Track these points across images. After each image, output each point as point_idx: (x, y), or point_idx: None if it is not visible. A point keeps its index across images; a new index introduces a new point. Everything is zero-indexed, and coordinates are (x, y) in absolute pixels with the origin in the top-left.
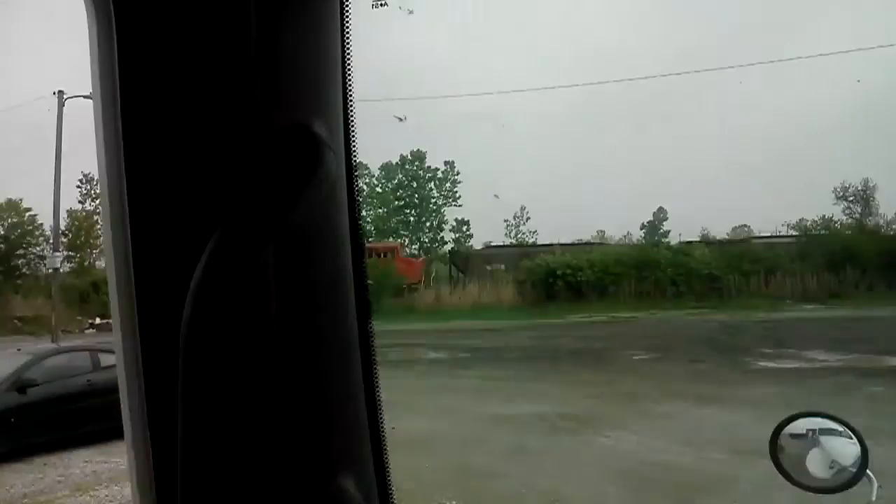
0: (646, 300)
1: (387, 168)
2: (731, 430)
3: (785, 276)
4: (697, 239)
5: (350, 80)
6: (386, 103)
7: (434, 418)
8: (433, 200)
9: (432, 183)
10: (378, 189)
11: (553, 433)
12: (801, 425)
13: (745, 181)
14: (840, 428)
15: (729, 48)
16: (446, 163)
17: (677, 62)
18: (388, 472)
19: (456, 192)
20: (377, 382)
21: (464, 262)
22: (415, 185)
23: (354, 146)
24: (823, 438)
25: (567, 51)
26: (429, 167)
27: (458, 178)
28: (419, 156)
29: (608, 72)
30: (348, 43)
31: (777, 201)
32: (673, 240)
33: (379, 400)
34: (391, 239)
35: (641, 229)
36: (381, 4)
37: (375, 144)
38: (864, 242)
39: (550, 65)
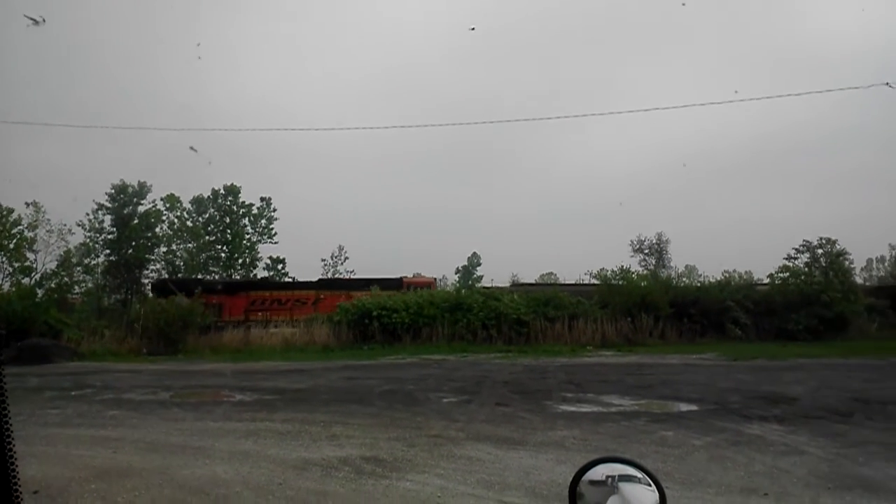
0: (457, 342)
1: (198, 202)
2: (532, 474)
3: (587, 323)
4: (508, 284)
5: None
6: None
7: (232, 464)
8: (247, 237)
9: (247, 219)
10: (189, 223)
11: (356, 478)
12: (600, 471)
13: (551, 231)
14: (639, 474)
15: (545, 102)
16: (262, 199)
17: (499, 112)
18: None
19: (272, 228)
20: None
21: None
22: (227, 220)
23: None
24: (622, 485)
25: (394, 94)
26: (243, 202)
27: (275, 214)
28: (233, 190)
29: (434, 117)
30: None
31: (580, 250)
32: (485, 283)
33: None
34: (200, 275)
35: (456, 273)
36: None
37: (187, 176)
38: (657, 292)
39: (372, 105)
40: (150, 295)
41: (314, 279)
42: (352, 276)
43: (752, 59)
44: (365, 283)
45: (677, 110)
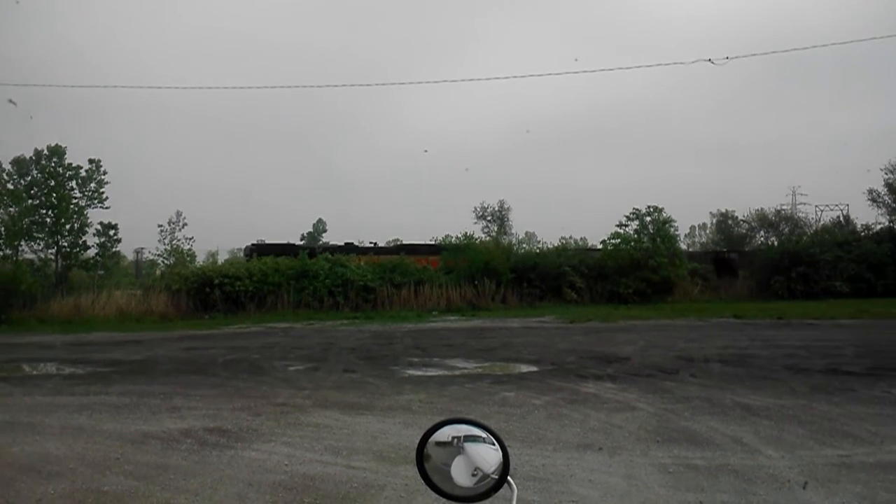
0: (304, 310)
1: (19, 163)
2: (379, 438)
3: (432, 288)
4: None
5: None
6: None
7: (65, 440)
8: (75, 201)
9: (74, 182)
10: (9, 185)
11: (200, 449)
12: (446, 433)
13: (396, 197)
14: (483, 434)
15: (394, 68)
16: (91, 161)
17: (344, 76)
18: None
19: (103, 192)
20: None
21: None
22: (52, 183)
23: None
24: (468, 445)
25: (236, 52)
26: (70, 164)
27: (106, 178)
28: (58, 151)
29: (276, 79)
30: None
31: (425, 217)
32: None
33: None
34: (23, 241)
35: (301, 239)
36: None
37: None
38: (499, 258)
39: (219, 64)
40: (245, 258)
41: (390, 243)
42: (431, 243)
43: (592, 32)
44: (439, 249)
45: (523, 79)
